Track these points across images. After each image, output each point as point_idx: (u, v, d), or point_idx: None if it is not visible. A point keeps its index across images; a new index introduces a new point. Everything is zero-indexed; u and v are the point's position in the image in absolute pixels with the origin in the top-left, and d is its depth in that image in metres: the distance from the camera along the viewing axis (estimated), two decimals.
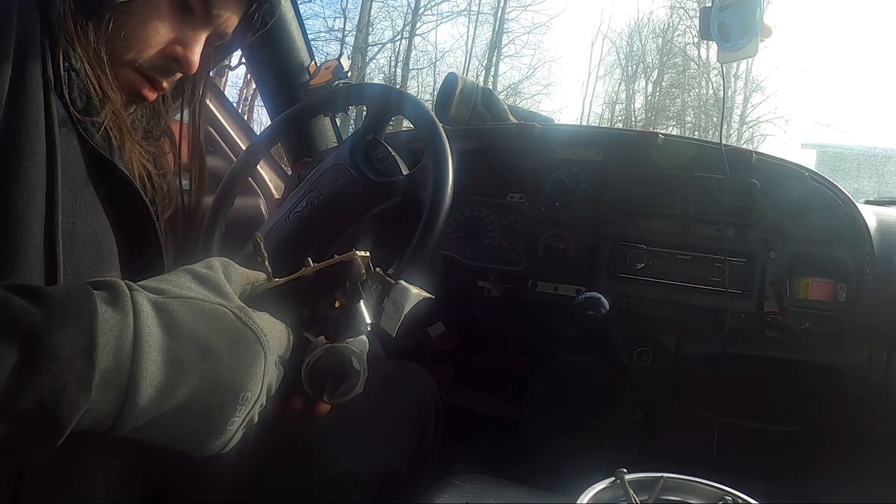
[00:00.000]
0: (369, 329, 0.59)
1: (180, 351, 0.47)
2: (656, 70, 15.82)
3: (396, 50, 14.40)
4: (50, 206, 0.54)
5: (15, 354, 0.41)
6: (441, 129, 0.97)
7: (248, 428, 0.53)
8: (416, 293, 0.61)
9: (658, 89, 15.85)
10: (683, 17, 14.74)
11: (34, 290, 0.44)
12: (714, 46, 1.10)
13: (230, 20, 0.69)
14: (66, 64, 0.58)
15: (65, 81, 0.58)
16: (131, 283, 0.49)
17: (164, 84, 0.68)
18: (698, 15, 1.13)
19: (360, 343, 0.60)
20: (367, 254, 0.60)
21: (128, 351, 0.45)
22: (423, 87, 14.39)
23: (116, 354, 0.44)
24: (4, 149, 0.52)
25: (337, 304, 0.58)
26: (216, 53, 0.75)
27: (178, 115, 0.77)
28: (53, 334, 0.42)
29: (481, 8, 14.98)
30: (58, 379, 0.42)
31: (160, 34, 0.64)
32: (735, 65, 11.92)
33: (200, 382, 0.47)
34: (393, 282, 0.61)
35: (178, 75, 0.69)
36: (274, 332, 0.53)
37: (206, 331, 0.49)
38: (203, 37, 0.67)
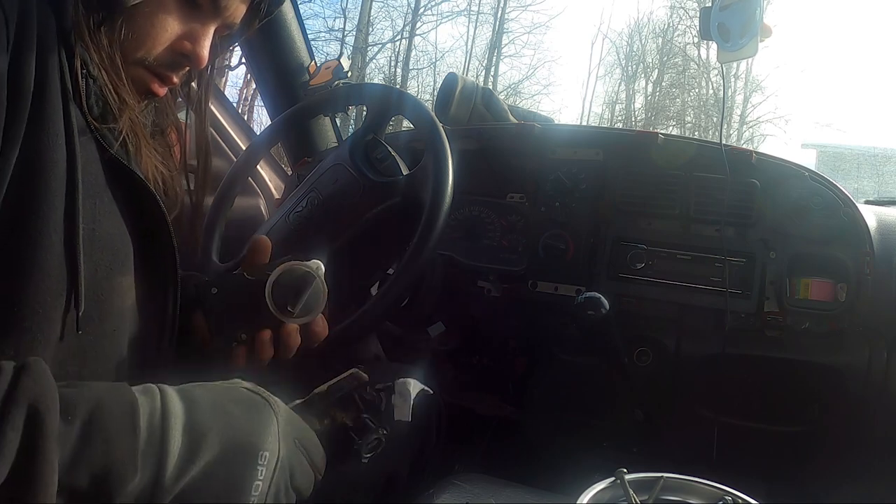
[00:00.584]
0: (383, 435, 0.69)
1: (200, 419, 0.53)
2: (656, 70, 15.81)
3: (396, 50, 14.41)
4: (70, 213, 0.55)
5: (73, 435, 0.47)
6: (441, 129, 0.96)
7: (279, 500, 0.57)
8: (416, 384, 0.74)
9: (658, 89, 15.85)
10: (683, 17, 14.74)
11: (82, 384, 0.51)
12: (714, 46, 1.10)
13: (238, 10, 0.68)
14: (84, 71, 0.58)
15: (82, 89, 0.58)
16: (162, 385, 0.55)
17: (174, 79, 0.67)
18: (698, 15, 1.13)
19: (316, 263, 0.69)
20: (366, 376, 0.70)
21: (157, 424, 0.51)
22: (423, 87, 14.39)
23: (149, 430, 0.51)
24: (26, 160, 0.53)
25: (354, 416, 0.69)
26: (222, 43, 0.75)
27: (184, 113, 0.77)
28: (104, 417, 0.49)
29: (481, 8, 14.98)
30: (107, 455, 0.48)
31: (168, 31, 0.63)
32: (735, 65, 11.93)
33: (221, 444, 0.53)
34: (392, 383, 0.73)
35: (187, 68, 0.69)
36: (285, 409, 0.59)
37: (222, 400, 0.55)
38: (211, 30, 0.67)
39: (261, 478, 0.54)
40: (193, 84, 0.75)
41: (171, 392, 0.54)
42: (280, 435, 0.56)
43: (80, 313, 0.56)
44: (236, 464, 0.54)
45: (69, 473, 0.46)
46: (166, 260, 0.67)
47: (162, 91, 0.67)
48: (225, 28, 0.69)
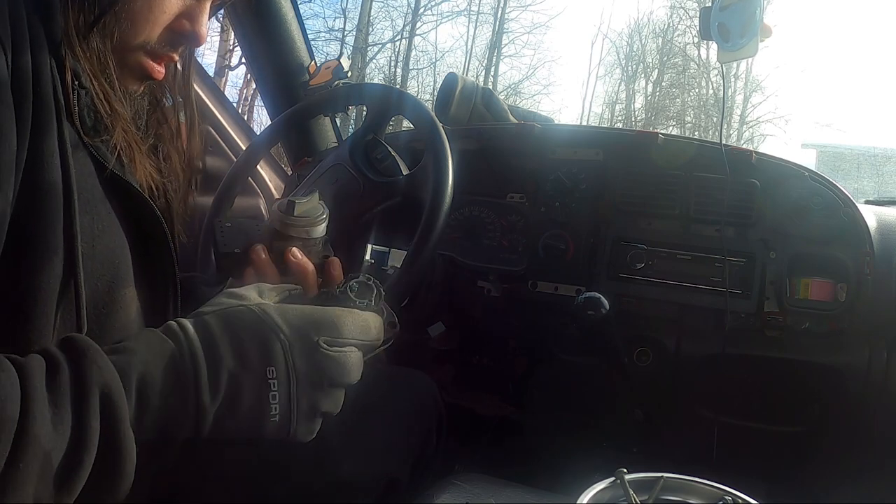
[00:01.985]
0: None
1: (218, 353, 0.54)
2: (656, 70, 15.82)
3: (396, 50, 14.41)
4: (69, 234, 0.54)
5: (132, 406, 0.49)
6: (441, 129, 0.96)
7: (309, 414, 0.57)
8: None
9: (658, 89, 15.85)
10: (683, 17, 14.75)
11: (124, 349, 0.52)
12: (714, 46, 1.10)
13: None
14: (76, 82, 0.56)
15: (74, 103, 0.56)
16: (181, 321, 0.56)
17: (175, 56, 0.66)
18: (698, 15, 1.13)
19: None
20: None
21: (190, 370, 0.53)
22: (423, 87, 14.41)
23: (185, 374, 0.52)
24: (24, 182, 0.52)
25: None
26: (211, 11, 0.74)
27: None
28: (154, 380, 0.51)
29: (481, 8, 15.00)
30: (163, 414, 0.51)
31: (166, 12, 0.62)
32: (735, 65, 11.93)
33: (235, 366, 0.54)
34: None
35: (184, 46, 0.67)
36: (294, 316, 0.58)
37: (232, 329, 0.55)
38: (208, 6, 0.65)
39: (274, 389, 0.54)
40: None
41: (191, 330, 0.55)
42: (286, 350, 0.55)
43: (84, 334, 0.54)
44: (251, 383, 0.54)
45: (138, 428, 0.49)
46: (166, 267, 0.66)
47: (161, 74, 0.66)
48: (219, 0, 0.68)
